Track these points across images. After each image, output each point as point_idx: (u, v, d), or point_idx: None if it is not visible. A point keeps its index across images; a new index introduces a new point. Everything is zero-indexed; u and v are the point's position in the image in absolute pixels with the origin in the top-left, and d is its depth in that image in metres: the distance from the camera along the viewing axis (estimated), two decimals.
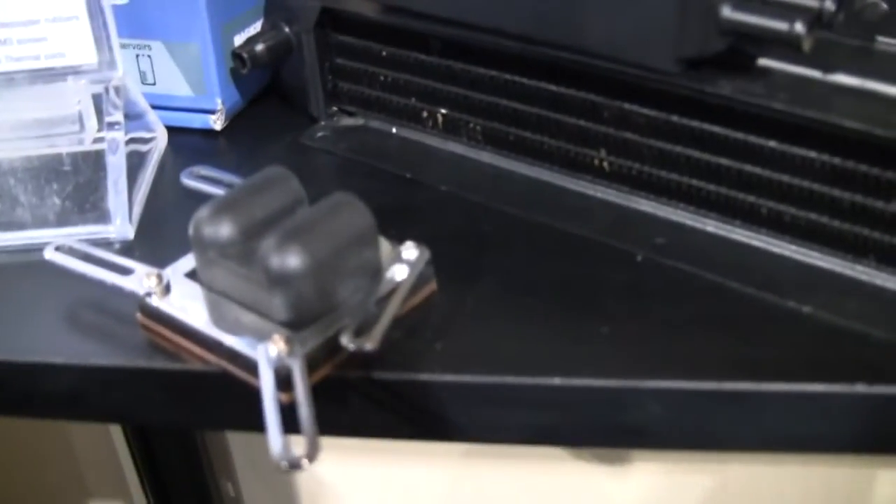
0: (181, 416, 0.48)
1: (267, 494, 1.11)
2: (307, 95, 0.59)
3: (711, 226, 0.49)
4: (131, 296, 0.46)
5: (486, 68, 0.53)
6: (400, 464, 1.02)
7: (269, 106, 0.63)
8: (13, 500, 1.18)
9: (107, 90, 0.53)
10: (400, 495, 1.05)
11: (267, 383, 0.41)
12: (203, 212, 0.45)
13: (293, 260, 0.42)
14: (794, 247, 0.47)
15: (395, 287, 0.44)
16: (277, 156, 0.59)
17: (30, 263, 0.51)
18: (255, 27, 0.61)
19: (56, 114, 0.53)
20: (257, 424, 0.40)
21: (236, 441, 1.08)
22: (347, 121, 0.60)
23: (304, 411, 0.39)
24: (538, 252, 0.49)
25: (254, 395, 0.41)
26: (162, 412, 0.48)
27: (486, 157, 0.55)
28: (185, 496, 1.09)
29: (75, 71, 0.53)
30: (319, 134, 0.59)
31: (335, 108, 0.60)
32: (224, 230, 0.44)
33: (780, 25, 0.43)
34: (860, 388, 0.40)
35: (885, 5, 0.52)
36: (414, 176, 0.55)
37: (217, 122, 0.60)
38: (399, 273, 0.45)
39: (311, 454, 0.38)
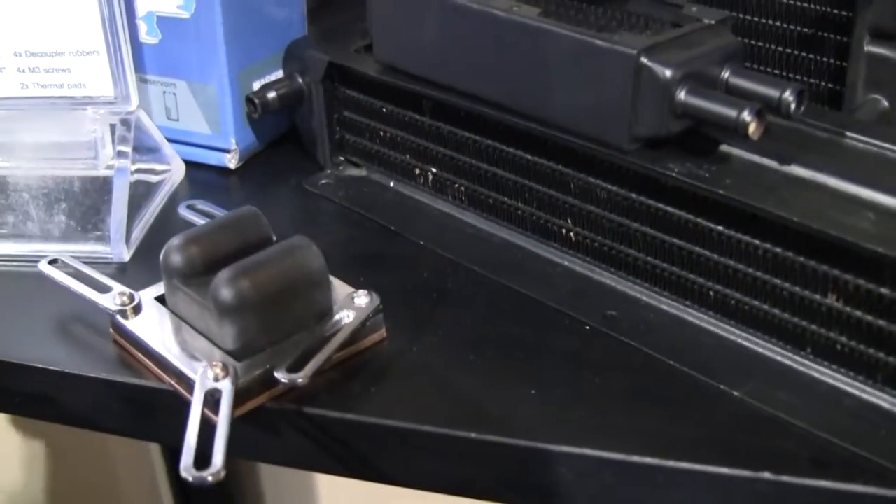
0: (138, 428, 0.51)
1: None
2: (315, 143, 0.62)
3: (664, 304, 0.50)
4: (103, 310, 0.49)
5: (470, 132, 0.55)
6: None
7: (286, 150, 0.66)
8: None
9: (121, 122, 0.56)
10: None
11: (196, 402, 0.43)
12: (174, 241, 0.48)
13: (239, 294, 0.45)
14: (738, 331, 0.48)
15: (339, 329, 0.47)
16: (281, 198, 0.62)
17: (31, 273, 0.54)
18: (277, 74, 0.64)
19: (74, 139, 0.57)
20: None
21: (268, 479, 1.10)
22: (352, 171, 0.63)
23: (220, 432, 0.42)
24: (494, 311, 0.51)
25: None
26: (120, 422, 0.50)
27: (469, 216, 0.57)
28: None
29: (94, 101, 0.57)
30: (323, 181, 0.62)
31: (341, 158, 0.63)
32: (188, 260, 0.47)
33: (729, 112, 0.45)
34: (766, 475, 0.41)
35: (885, 102, 0.53)
36: (398, 229, 0.57)
37: (231, 161, 0.63)
38: (347, 317, 0.47)
39: (216, 473, 0.40)
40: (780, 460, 0.42)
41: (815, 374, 0.45)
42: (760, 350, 0.47)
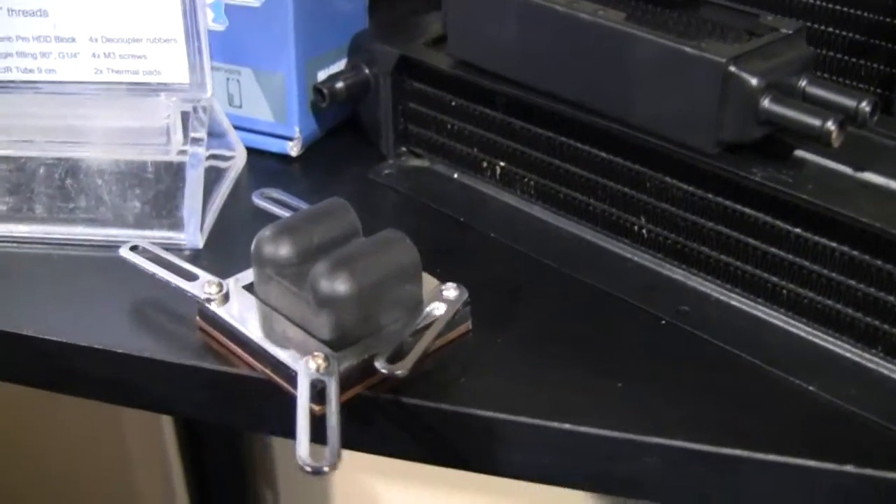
0: (224, 414, 0.52)
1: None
2: (379, 134, 0.63)
3: (735, 300, 0.52)
4: (192, 300, 0.50)
5: (544, 129, 0.57)
6: (440, 491, 1.05)
7: (346, 139, 0.67)
8: (61, 483, 1.22)
9: (195, 109, 0.57)
10: None
11: (303, 394, 0.44)
12: (266, 232, 0.49)
13: (340, 285, 0.46)
14: (808, 328, 0.50)
15: (432, 322, 0.48)
16: (345, 187, 0.63)
17: (106, 259, 0.55)
18: (339, 65, 0.65)
19: (146, 125, 0.57)
20: (290, 431, 0.44)
21: (280, 450, 1.11)
22: (414, 161, 0.64)
23: (332, 423, 0.43)
24: (569, 305, 0.53)
25: (291, 404, 0.45)
26: (207, 409, 0.52)
27: (537, 210, 0.59)
28: (226, 497, 1.13)
29: (168, 88, 0.58)
30: (386, 171, 0.63)
31: (404, 149, 0.64)
32: (282, 251, 0.48)
33: (813, 122, 0.46)
34: (849, 468, 0.43)
35: None
36: (467, 220, 0.59)
37: (294, 149, 0.64)
38: (438, 309, 0.49)
39: (333, 463, 0.42)
40: (860, 454, 0.43)
41: (885, 371, 0.48)
42: (830, 347, 0.49)
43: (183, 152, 0.57)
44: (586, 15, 0.51)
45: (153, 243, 0.52)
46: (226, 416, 0.53)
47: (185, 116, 0.58)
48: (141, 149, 0.57)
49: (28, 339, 0.51)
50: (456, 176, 0.62)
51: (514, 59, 0.55)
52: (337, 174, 0.64)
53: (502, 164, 0.59)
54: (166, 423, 1.12)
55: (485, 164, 0.60)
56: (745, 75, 0.47)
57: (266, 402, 0.49)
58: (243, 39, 0.62)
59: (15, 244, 0.57)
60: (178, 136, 0.57)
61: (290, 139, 0.64)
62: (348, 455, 0.43)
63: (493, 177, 0.60)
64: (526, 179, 0.59)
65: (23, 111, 0.59)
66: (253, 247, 0.49)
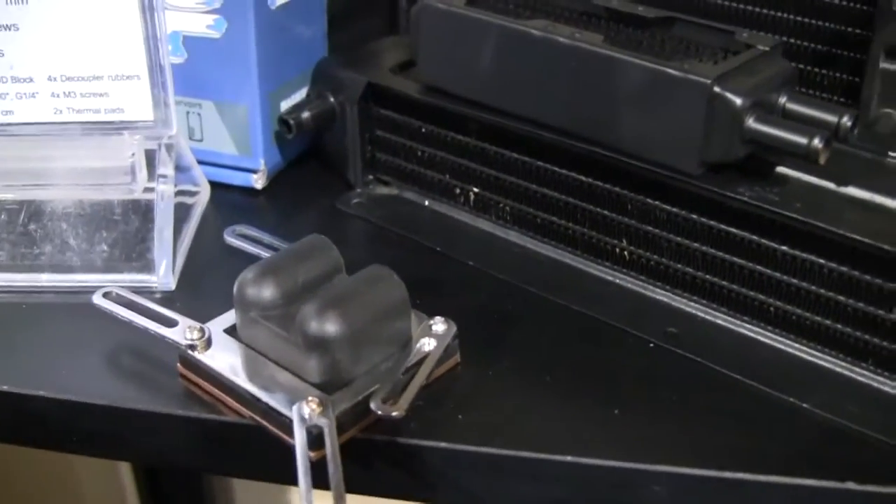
0: (213, 463, 0.51)
1: None
2: (346, 163, 0.62)
3: (722, 319, 0.52)
4: (170, 344, 0.48)
5: (519, 153, 0.56)
6: None
7: (308, 169, 0.66)
8: None
9: (160, 146, 0.56)
10: None
11: (300, 441, 0.43)
12: (248, 273, 0.48)
13: (331, 326, 0.45)
14: (798, 345, 0.50)
15: (424, 357, 0.47)
16: (314, 218, 0.62)
17: (75, 305, 0.54)
18: (301, 93, 0.64)
19: (111, 164, 0.55)
20: (285, 477, 0.43)
21: (241, 492, 1.10)
22: (382, 189, 0.63)
23: (334, 470, 0.42)
24: (557, 332, 0.52)
25: (283, 449, 0.44)
26: (196, 458, 0.50)
27: (514, 236, 0.58)
28: None
29: (132, 126, 0.56)
30: (355, 200, 0.62)
31: (371, 177, 0.63)
32: (267, 293, 0.47)
33: (800, 139, 0.46)
34: (851, 485, 0.43)
35: None
36: (444, 249, 0.58)
37: (258, 182, 0.63)
38: (427, 345, 0.48)
39: None
40: (861, 470, 0.44)
41: (878, 385, 0.48)
42: (821, 363, 0.49)
43: (150, 190, 0.55)
44: (564, 38, 0.51)
45: (124, 287, 0.51)
46: (215, 465, 0.51)
47: (149, 154, 0.56)
48: (106, 189, 0.55)
49: (4, 395, 0.49)
50: (427, 203, 0.61)
51: (489, 84, 0.55)
52: (304, 205, 0.63)
53: (476, 189, 0.59)
54: (124, 466, 1.10)
55: (458, 191, 0.60)
56: (729, 95, 0.47)
57: (257, 449, 0.47)
58: (203, 72, 0.60)
59: None
60: (143, 173, 0.56)
61: (255, 171, 0.63)
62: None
63: (467, 203, 0.60)
64: (501, 205, 0.58)
65: None
66: (235, 289, 0.48)
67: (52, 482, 1.12)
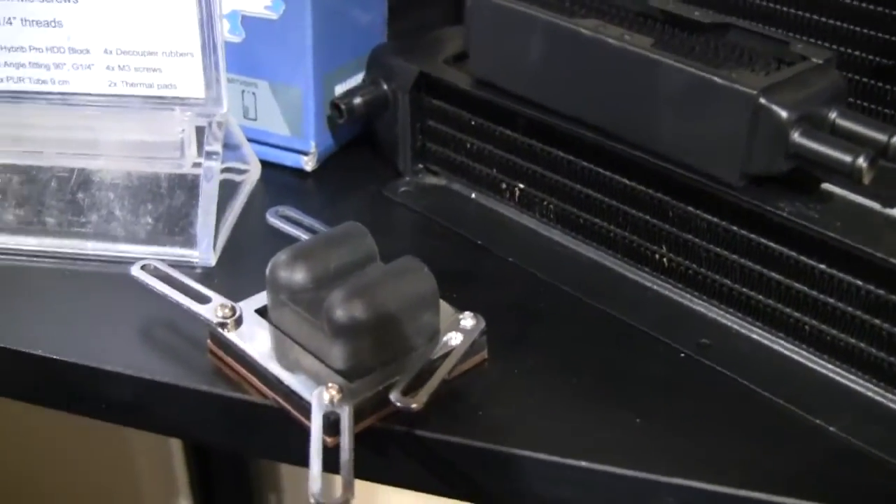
0: (234, 440, 0.51)
1: None
2: (396, 150, 0.62)
3: (756, 333, 0.51)
4: (203, 322, 0.49)
5: (565, 152, 0.56)
6: None
7: (360, 154, 0.66)
8: (69, 498, 1.22)
9: (210, 123, 0.56)
10: None
11: (316, 425, 0.44)
12: (281, 256, 0.48)
13: (356, 315, 0.45)
14: (831, 366, 0.49)
15: (449, 352, 0.47)
16: (360, 204, 0.62)
17: (117, 276, 0.54)
18: (357, 79, 0.64)
19: (160, 139, 0.56)
20: (300, 459, 0.43)
21: (287, 474, 1.11)
22: (430, 179, 0.63)
23: (346, 457, 0.42)
24: (588, 334, 0.52)
25: (302, 433, 0.44)
26: (217, 434, 0.51)
27: (556, 235, 0.58)
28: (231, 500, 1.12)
29: (183, 102, 0.57)
30: (402, 189, 0.62)
31: (420, 166, 0.63)
32: (298, 276, 0.48)
33: (844, 157, 0.45)
34: None
35: None
36: (485, 244, 0.58)
37: (308, 164, 0.63)
38: (454, 339, 0.48)
39: (346, 497, 0.41)
40: (880, 498, 0.43)
41: None
42: (852, 385, 0.48)
43: (197, 166, 0.56)
44: (612, 40, 0.50)
45: (164, 261, 0.51)
46: (235, 442, 0.52)
47: (199, 130, 0.57)
48: (154, 162, 0.56)
49: (38, 359, 0.50)
50: (473, 196, 0.61)
51: (537, 80, 0.54)
52: (352, 190, 0.63)
53: (521, 185, 0.59)
54: (175, 442, 1.11)
55: (503, 186, 0.59)
56: (775, 108, 0.46)
57: (277, 429, 0.48)
58: (260, 52, 0.61)
59: (24, 258, 0.56)
60: (192, 149, 0.56)
61: (306, 154, 0.63)
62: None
63: (512, 198, 0.59)
64: (545, 203, 0.58)
65: (35, 122, 0.58)
66: (268, 271, 0.48)
67: (105, 457, 1.14)
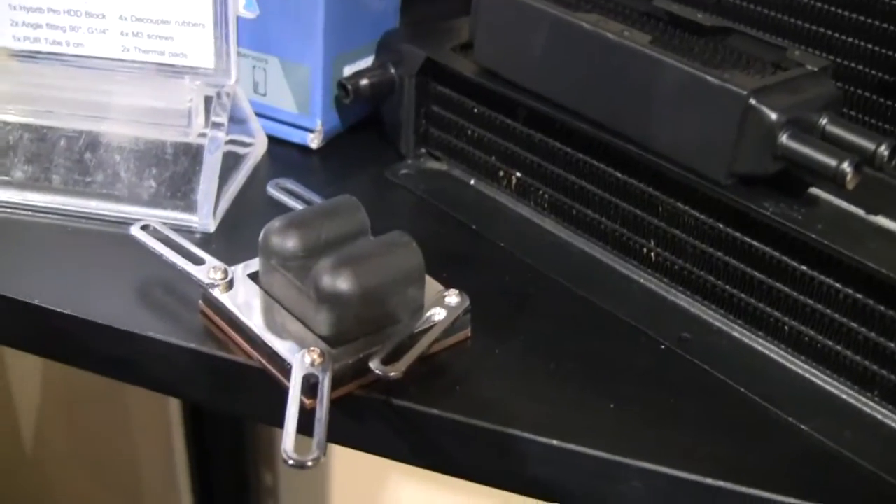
0: (219, 399, 0.53)
1: (302, 489, 1.15)
2: (399, 134, 0.64)
3: (737, 331, 0.52)
4: (198, 284, 0.50)
5: (562, 143, 0.57)
6: (445, 490, 1.05)
7: (366, 136, 0.67)
8: (62, 453, 1.23)
9: (218, 94, 0.58)
10: None
11: (295, 386, 0.45)
12: (275, 223, 0.49)
13: (342, 283, 0.46)
14: (808, 367, 0.50)
15: (431, 327, 0.48)
16: (361, 183, 0.63)
17: (116, 235, 0.56)
18: (367, 62, 0.65)
19: (169, 106, 0.58)
20: (280, 421, 0.44)
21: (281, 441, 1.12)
22: (432, 164, 0.64)
23: (321, 417, 0.43)
24: (572, 321, 0.53)
25: (283, 394, 0.45)
26: (203, 392, 0.52)
27: (549, 224, 0.59)
28: (226, 478, 1.13)
29: (193, 72, 0.58)
30: (403, 171, 0.63)
31: (423, 150, 0.64)
32: (289, 244, 0.49)
33: (830, 161, 0.46)
34: None
35: None
36: (479, 229, 0.59)
37: (314, 141, 0.64)
38: (438, 315, 0.49)
39: (318, 457, 0.42)
40: (847, 498, 0.44)
41: (880, 416, 0.47)
42: (827, 387, 0.49)
43: (203, 135, 0.57)
44: (611, 35, 0.51)
45: (165, 223, 0.53)
46: (220, 401, 0.53)
47: (207, 100, 0.58)
48: (161, 129, 0.58)
49: (34, 308, 0.52)
50: (472, 182, 0.62)
51: (538, 72, 0.55)
52: (354, 170, 0.64)
53: (518, 174, 0.60)
54: (172, 400, 1.13)
55: (501, 174, 0.60)
56: (765, 109, 0.47)
57: (260, 390, 0.49)
58: (273, 29, 0.62)
59: (30, 213, 0.58)
60: (199, 119, 0.58)
61: (312, 131, 0.64)
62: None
63: (509, 186, 0.60)
64: (541, 192, 0.59)
65: (48, 82, 0.59)
66: (261, 237, 0.49)
67: (104, 412, 1.16)
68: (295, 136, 0.65)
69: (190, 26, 0.57)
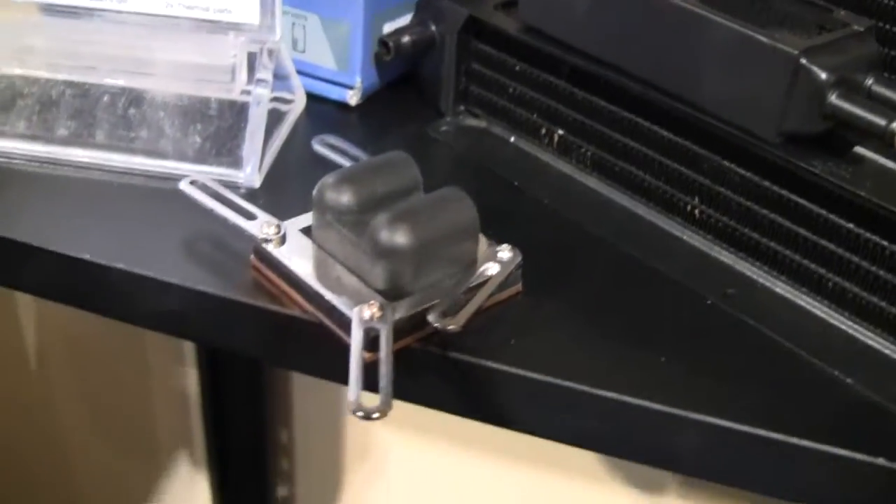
0: (273, 353, 0.53)
1: (318, 447, 1.16)
2: (439, 91, 0.64)
3: (780, 287, 0.53)
4: (247, 238, 0.51)
5: (606, 101, 0.57)
6: (457, 450, 1.06)
7: (404, 93, 0.67)
8: (78, 398, 1.24)
9: (262, 50, 0.58)
10: (447, 476, 1.10)
11: (356, 341, 0.45)
12: (329, 178, 0.50)
13: (399, 238, 0.47)
14: (851, 322, 0.50)
15: (486, 281, 0.49)
16: (401, 140, 0.63)
17: (162, 190, 0.56)
18: (405, 19, 0.65)
19: (213, 62, 0.58)
20: (337, 375, 0.45)
21: (299, 390, 1.13)
22: (471, 121, 0.65)
23: (384, 371, 0.44)
24: (618, 277, 0.54)
25: (341, 348, 0.46)
26: (257, 347, 0.53)
27: (592, 181, 0.60)
28: (242, 434, 1.14)
29: (237, 28, 0.59)
30: (444, 128, 0.64)
31: (462, 108, 0.65)
32: (344, 198, 0.49)
33: (879, 120, 0.47)
34: (881, 461, 0.44)
35: None
36: (521, 185, 0.59)
37: (353, 98, 0.65)
38: (491, 269, 0.50)
39: (384, 409, 0.42)
40: (890, 447, 0.45)
41: None
42: (870, 342, 0.50)
43: (247, 92, 0.58)
44: None
45: (212, 179, 0.53)
46: (274, 355, 0.54)
47: (251, 57, 0.58)
48: (205, 85, 0.58)
49: (84, 263, 0.52)
50: (513, 140, 0.63)
51: (584, 29, 0.56)
52: (393, 127, 0.65)
53: (561, 132, 0.60)
54: (188, 350, 1.13)
55: (543, 131, 0.61)
56: (815, 69, 0.48)
57: (315, 344, 0.50)
58: None
59: (74, 168, 0.58)
60: (243, 75, 0.58)
61: (351, 88, 0.65)
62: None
63: (551, 144, 0.61)
64: (583, 150, 0.59)
65: (91, 38, 0.59)
66: (315, 192, 0.50)
67: (122, 358, 1.16)
68: (334, 92, 0.65)
69: None
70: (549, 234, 0.56)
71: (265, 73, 0.57)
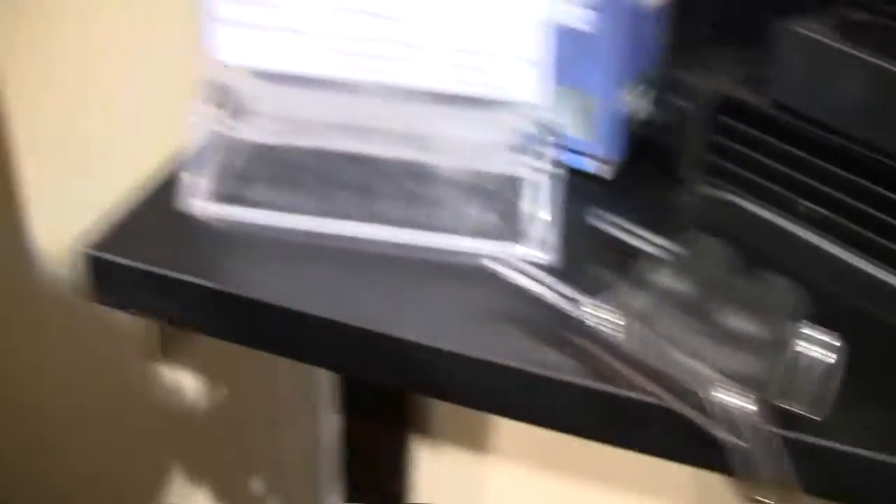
0: (607, 434, 0.55)
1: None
2: (683, 163, 0.66)
3: None
4: (557, 314, 0.53)
5: (868, 181, 0.59)
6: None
7: (647, 164, 0.69)
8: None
9: (541, 127, 0.60)
10: None
11: (720, 423, 0.49)
12: (662, 265, 0.53)
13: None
14: None
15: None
16: (646, 211, 0.63)
17: (457, 266, 0.59)
18: (646, 91, 0.68)
19: (493, 138, 0.60)
20: (689, 457, 0.48)
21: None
22: (716, 192, 0.65)
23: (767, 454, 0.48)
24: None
25: (681, 426, 0.49)
26: (593, 427, 0.55)
27: (849, 256, 0.61)
28: None
29: (515, 105, 0.60)
30: (688, 200, 0.65)
31: (706, 179, 0.65)
32: (681, 286, 0.52)
33: None
34: None
35: None
36: (772, 258, 0.60)
37: (603, 170, 0.67)
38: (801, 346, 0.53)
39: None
40: None
41: None
42: None
43: (528, 167, 0.60)
44: None
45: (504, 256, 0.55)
46: (614, 436, 0.56)
47: (532, 133, 0.60)
48: (488, 161, 0.60)
49: (399, 342, 0.55)
50: (761, 212, 0.64)
51: (849, 112, 0.57)
52: (637, 198, 0.67)
53: (812, 205, 0.62)
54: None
55: (795, 205, 0.62)
56: None
57: (661, 426, 0.52)
58: (564, 59, 0.62)
59: (361, 244, 0.60)
60: (524, 151, 0.60)
61: (599, 159, 0.67)
62: None
63: (803, 217, 0.62)
64: (838, 224, 0.61)
65: (368, 112, 0.61)
66: (646, 273, 0.53)
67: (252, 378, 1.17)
68: (582, 163, 0.67)
69: (513, 59, 0.59)
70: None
71: (547, 149, 0.60)
